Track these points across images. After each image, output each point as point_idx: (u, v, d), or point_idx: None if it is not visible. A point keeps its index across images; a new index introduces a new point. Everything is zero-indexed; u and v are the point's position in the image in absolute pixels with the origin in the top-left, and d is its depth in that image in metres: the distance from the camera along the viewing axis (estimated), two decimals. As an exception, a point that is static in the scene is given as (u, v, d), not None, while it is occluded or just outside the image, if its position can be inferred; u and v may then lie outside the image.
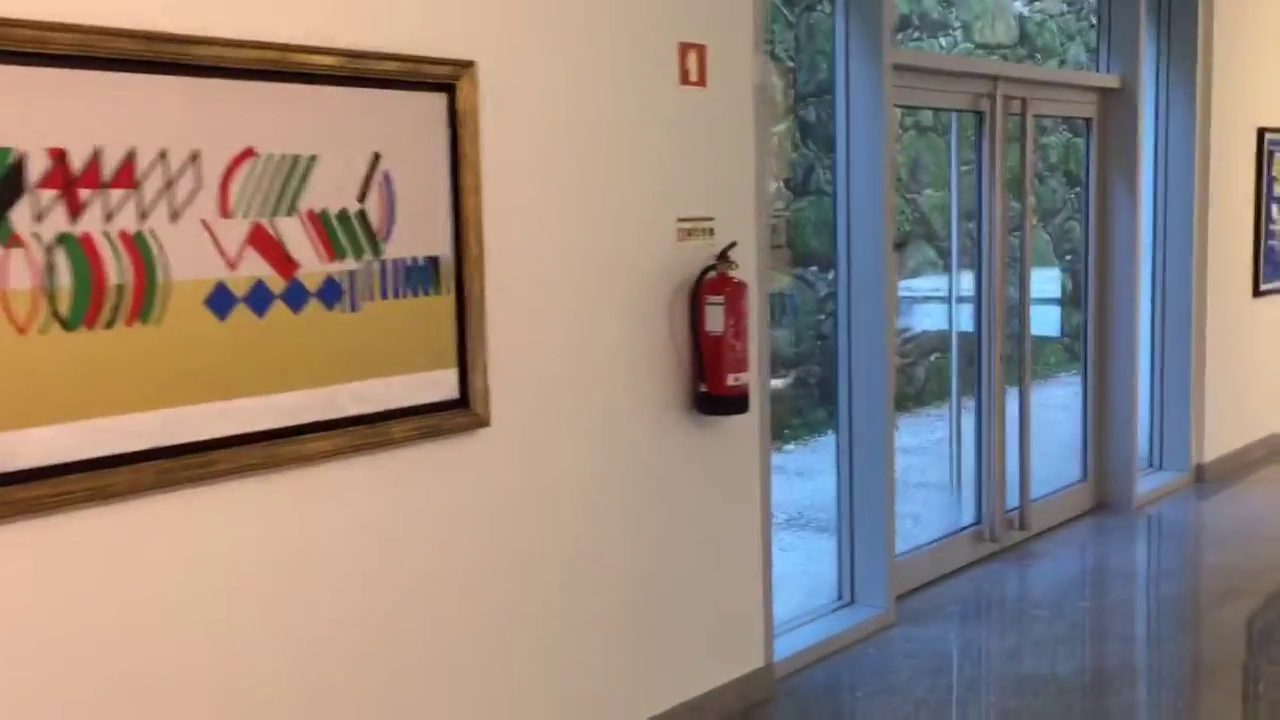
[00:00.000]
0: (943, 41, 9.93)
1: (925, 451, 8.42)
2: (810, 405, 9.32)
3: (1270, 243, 7.37)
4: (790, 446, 8.78)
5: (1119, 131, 6.07)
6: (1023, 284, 5.58)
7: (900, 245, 9.87)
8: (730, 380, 3.61)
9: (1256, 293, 7.26)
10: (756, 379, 3.90)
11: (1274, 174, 7.36)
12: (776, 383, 8.58)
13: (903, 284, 9.93)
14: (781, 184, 8.90)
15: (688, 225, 3.64)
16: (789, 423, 9.02)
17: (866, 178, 4.52)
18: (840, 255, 4.61)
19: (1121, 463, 6.22)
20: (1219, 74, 6.60)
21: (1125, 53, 6.06)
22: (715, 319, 3.60)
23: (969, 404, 5.60)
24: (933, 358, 9.86)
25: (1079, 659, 4.42)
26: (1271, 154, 7.30)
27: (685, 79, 3.60)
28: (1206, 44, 6.50)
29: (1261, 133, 7.14)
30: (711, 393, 3.63)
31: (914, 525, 6.30)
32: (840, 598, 4.74)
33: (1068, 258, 10.39)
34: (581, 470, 3.39)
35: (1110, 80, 6.02)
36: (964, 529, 5.43)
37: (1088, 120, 6.08)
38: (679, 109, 3.60)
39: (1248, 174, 7.09)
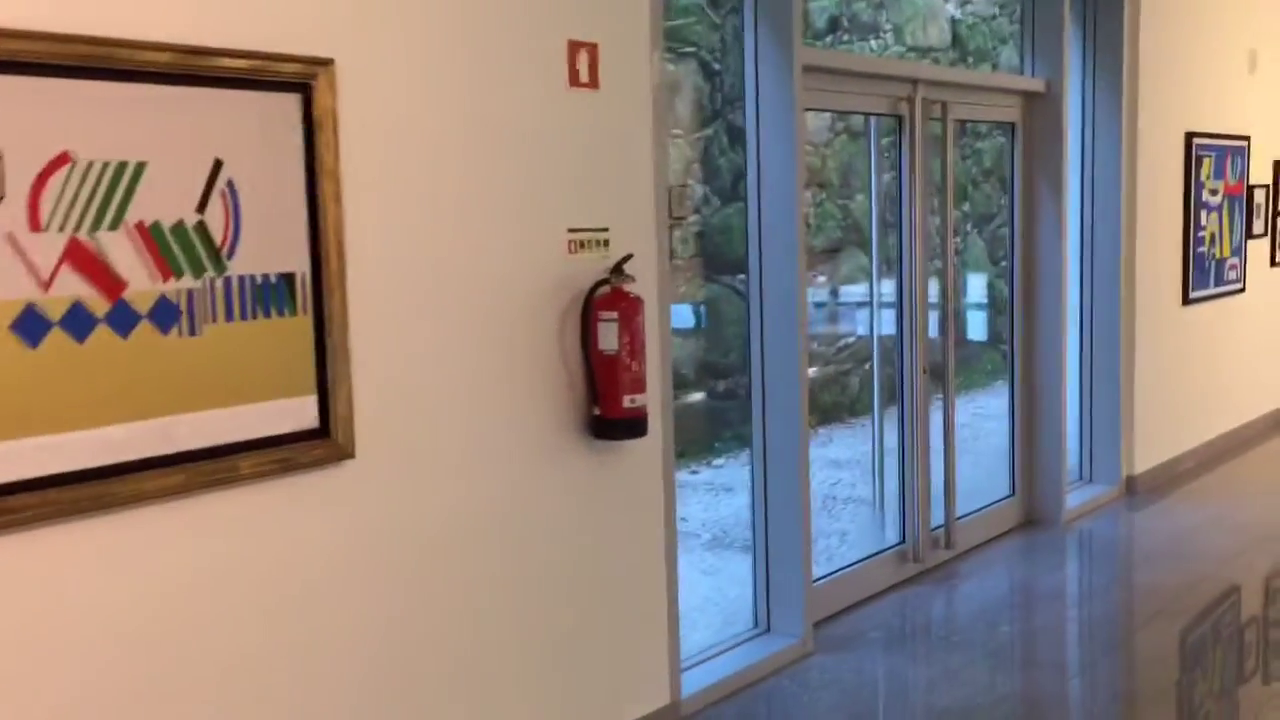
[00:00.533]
0: (874, 44, 9.78)
1: (858, 464, 8.27)
2: (742, 417, 9.11)
3: (1199, 249, 7.27)
4: (720, 460, 8.57)
5: (1043, 136, 5.92)
6: (945, 291, 5.40)
7: (834, 251, 9.73)
8: (626, 402, 3.38)
9: (1186, 300, 7.15)
10: (659, 398, 3.67)
11: (1203, 179, 7.27)
12: (698, 396, 8.35)
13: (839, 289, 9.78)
14: (706, 189, 8.69)
15: (579, 236, 3.40)
16: (721, 435, 8.81)
17: (778, 184, 4.30)
18: (752, 264, 4.40)
19: (1050, 477, 6.07)
20: (1145, 78, 6.48)
21: (1049, 56, 5.91)
22: (608, 337, 3.36)
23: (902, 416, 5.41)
24: (867, 365, 9.69)
25: (1004, 687, 4.23)
26: (1200, 159, 7.20)
27: (575, 80, 3.36)
28: (1132, 48, 6.37)
29: (1190, 137, 7.04)
30: (606, 416, 3.39)
31: (840, 543, 6.12)
32: (756, 625, 4.51)
33: (1002, 263, 10.29)
34: (461, 503, 3.13)
35: (1034, 84, 5.86)
36: (888, 549, 5.24)
37: (1011, 125, 5.92)
38: (568, 112, 3.36)
39: (1176, 179, 6.98)
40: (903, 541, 5.27)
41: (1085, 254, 6.52)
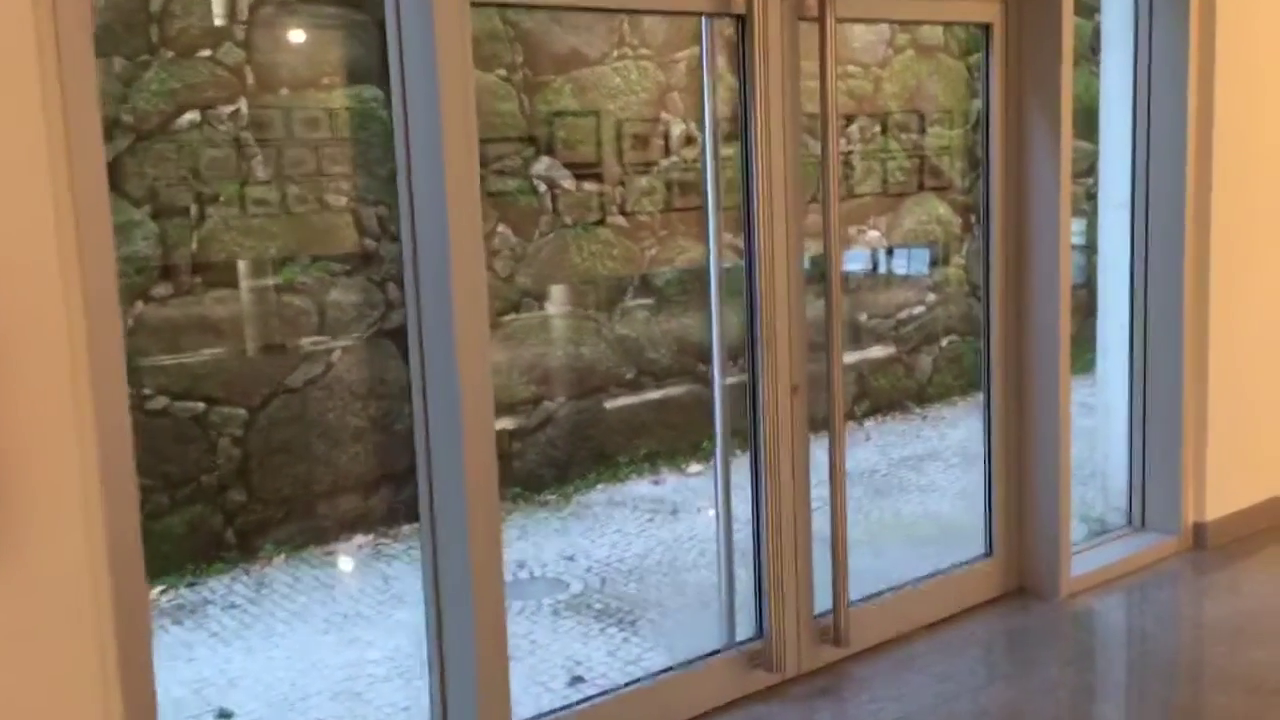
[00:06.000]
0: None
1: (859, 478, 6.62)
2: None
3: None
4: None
5: (1034, 45, 4.05)
6: (831, 282, 3.66)
7: (900, 196, 7.84)
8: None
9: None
10: (79, 471, 2.26)
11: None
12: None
13: (903, 251, 7.88)
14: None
15: None
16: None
17: (423, 128, 2.77)
18: (405, 247, 2.89)
19: (1044, 528, 4.26)
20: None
21: (1044, -78, 4.02)
22: None
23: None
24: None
25: None
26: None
27: None
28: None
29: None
30: None
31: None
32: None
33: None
34: None
35: (1017, -36, 4.00)
36: (727, 649, 3.64)
37: (985, 27, 4.08)
38: None
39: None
40: (759, 635, 3.65)
41: (1137, 212, 4.61)
